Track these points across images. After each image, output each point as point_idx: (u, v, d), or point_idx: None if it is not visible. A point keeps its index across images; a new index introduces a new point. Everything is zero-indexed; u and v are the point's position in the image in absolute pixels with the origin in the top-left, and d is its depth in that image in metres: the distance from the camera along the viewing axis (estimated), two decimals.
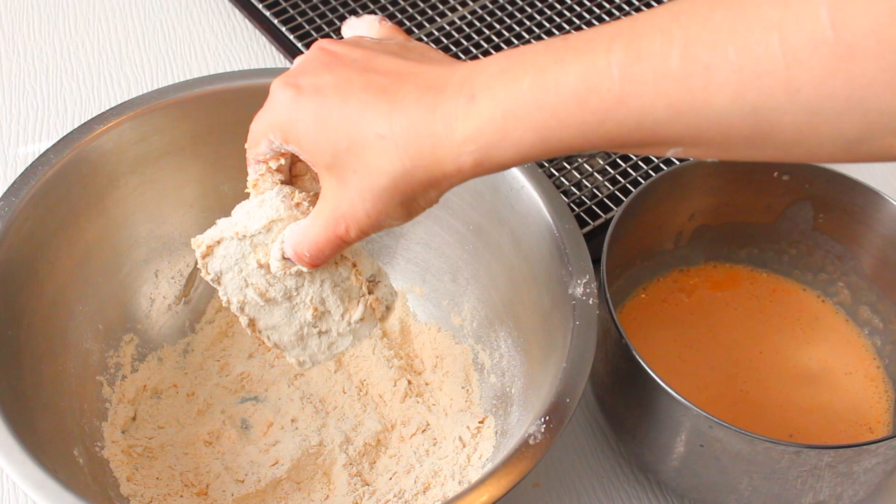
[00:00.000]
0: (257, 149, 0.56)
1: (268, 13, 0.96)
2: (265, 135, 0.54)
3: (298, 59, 0.55)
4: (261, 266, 0.58)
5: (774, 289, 0.77)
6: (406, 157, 0.49)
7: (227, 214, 0.75)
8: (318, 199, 0.55)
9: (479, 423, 0.69)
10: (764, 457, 0.62)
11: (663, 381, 0.62)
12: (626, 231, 0.71)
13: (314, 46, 0.54)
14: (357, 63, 0.52)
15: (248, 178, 0.59)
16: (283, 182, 0.58)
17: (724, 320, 0.75)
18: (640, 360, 0.63)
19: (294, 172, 0.60)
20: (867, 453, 0.62)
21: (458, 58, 0.93)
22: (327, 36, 0.94)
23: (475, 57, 0.94)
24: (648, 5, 1.00)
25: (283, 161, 0.57)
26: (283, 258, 0.57)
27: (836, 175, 0.73)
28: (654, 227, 0.75)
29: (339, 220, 0.52)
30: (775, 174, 0.74)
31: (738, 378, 0.72)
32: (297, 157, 0.56)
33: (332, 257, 0.55)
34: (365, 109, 0.50)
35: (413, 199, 0.51)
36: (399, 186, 0.50)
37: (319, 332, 0.61)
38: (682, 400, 0.62)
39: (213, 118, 0.72)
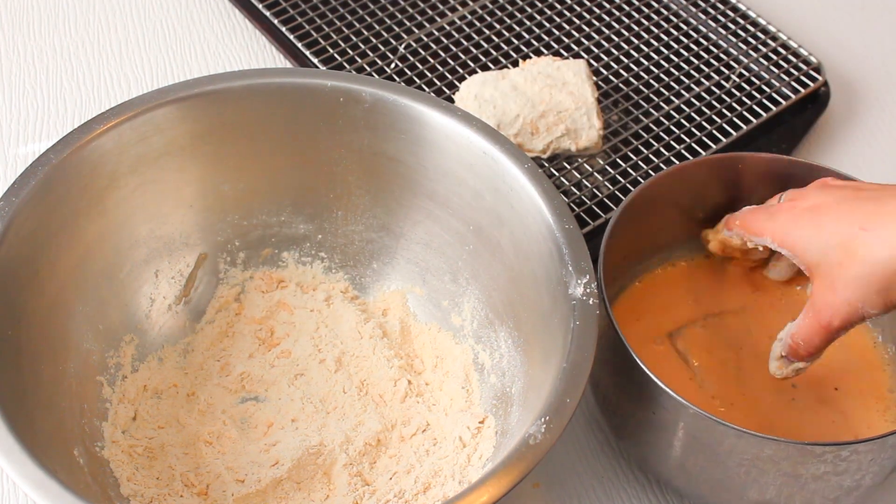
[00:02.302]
0: (753, 237, 0.68)
1: (268, 13, 0.96)
2: (763, 234, 0.67)
3: (806, 188, 0.67)
4: None
5: (783, 292, 0.76)
6: (885, 247, 0.58)
7: (227, 214, 0.76)
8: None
9: (480, 423, 0.69)
10: (705, 434, 0.62)
11: (661, 381, 0.62)
12: (623, 232, 0.71)
13: (818, 181, 0.67)
14: (847, 188, 0.64)
15: (715, 235, 0.73)
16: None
17: (728, 321, 0.75)
18: (637, 361, 0.63)
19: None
20: (811, 456, 0.61)
21: (458, 58, 0.94)
22: (328, 37, 0.94)
23: (475, 57, 0.94)
24: (648, 6, 1.00)
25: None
26: (781, 357, 0.67)
27: None
28: (656, 227, 0.75)
29: (824, 310, 0.61)
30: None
31: (741, 380, 0.72)
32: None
33: (822, 349, 0.64)
34: (854, 212, 0.61)
35: (888, 288, 0.59)
36: (876, 274, 0.59)
37: None
38: (681, 399, 0.62)
39: (213, 118, 0.72)
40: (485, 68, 0.93)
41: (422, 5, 0.98)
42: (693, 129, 0.89)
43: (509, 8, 0.99)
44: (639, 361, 0.63)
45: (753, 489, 0.64)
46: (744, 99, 0.92)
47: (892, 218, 0.59)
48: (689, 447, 0.64)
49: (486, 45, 0.95)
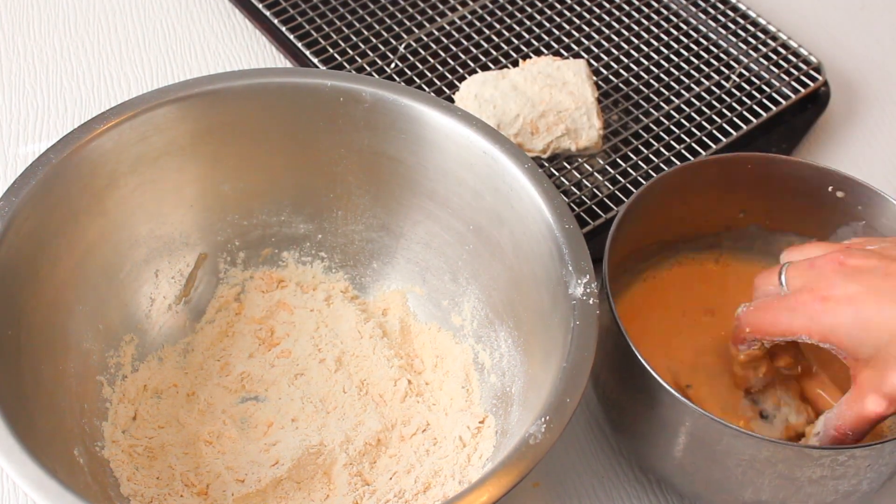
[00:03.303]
0: (778, 337, 0.64)
1: (268, 13, 0.96)
2: (795, 332, 0.62)
3: (817, 265, 0.63)
4: None
5: None
6: None
7: (227, 214, 0.76)
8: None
9: (480, 422, 0.69)
10: (704, 433, 0.62)
11: (664, 381, 0.62)
12: (628, 229, 0.71)
13: (831, 259, 0.63)
14: (877, 271, 0.61)
15: (738, 352, 0.68)
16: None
17: (730, 320, 0.75)
18: (641, 360, 0.63)
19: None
20: (808, 459, 0.61)
21: (458, 58, 0.94)
22: (328, 37, 0.94)
23: (475, 57, 0.94)
24: (648, 5, 1.00)
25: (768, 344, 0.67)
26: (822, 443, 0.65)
27: (890, 202, 0.71)
28: (662, 224, 0.75)
29: (881, 401, 0.60)
30: (830, 188, 0.72)
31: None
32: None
33: (868, 433, 0.63)
34: None
35: None
36: None
37: None
38: (683, 399, 0.62)
39: (213, 118, 0.72)
40: (485, 68, 0.93)
41: (422, 5, 0.98)
42: (693, 129, 0.89)
43: (509, 8, 0.99)
44: (639, 356, 0.63)
45: (749, 490, 0.64)
46: (744, 99, 0.92)
47: None
48: (687, 445, 0.64)
49: (486, 45, 0.95)
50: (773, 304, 0.64)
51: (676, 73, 0.94)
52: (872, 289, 0.60)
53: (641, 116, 0.90)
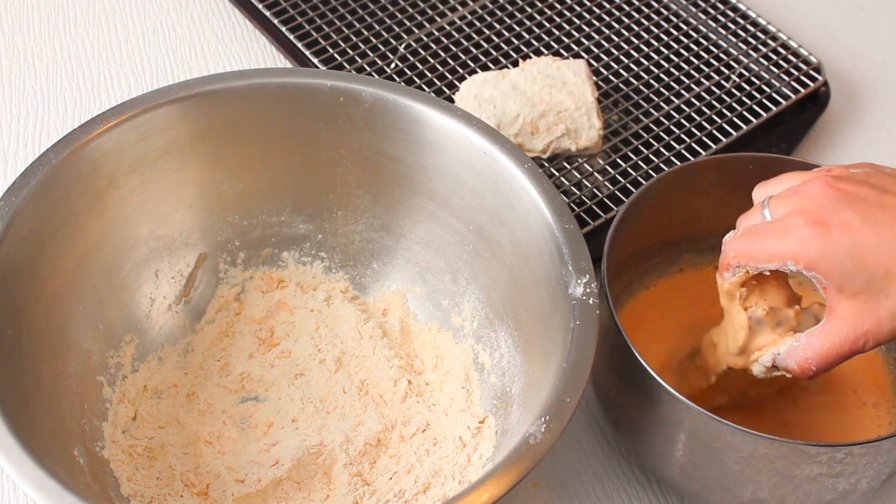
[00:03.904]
0: (761, 265, 0.60)
1: (268, 13, 0.96)
2: (783, 259, 0.58)
3: (803, 191, 0.59)
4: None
5: None
6: None
7: (227, 214, 0.76)
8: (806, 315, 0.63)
9: (480, 422, 0.69)
10: (702, 431, 0.62)
11: (664, 381, 0.62)
12: (628, 229, 0.71)
13: (817, 182, 0.59)
14: (870, 200, 0.57)
15: (723, 280, 0.63)
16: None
17: None
18: (640, 360, 0.63)
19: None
20: (805, 456, 0.61)
21: (458, 58, 0.94)
22: (328, 37, 0.94)
23: (475, 57, 0.94)
24: (648, 5, 1.00)
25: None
26: (772, 366, 0.63)
27: None
28: (660, 225, 0.75)
29: (860, 337, 0.57)
30: None
31: (743, 378, 0.72)
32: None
33: (831, 368, 0.60)
34: (884, 228, 0.56)
35: None
36: None
37: None
38: (683, 399, 0.62)
39: (213, 118, 0.72)
40: (485, 68, 0.93)
41: (422, 5, 0.98)
42: (693, 129, 0.89)
43: (509, 8, 0.99)
44: (637, 355, 0.63)
45: (748, 487, 0.64)
46: (744, 99, 0.92)
47: None
48: (685, 443, 0.64)
49: (486, 45, 0.95)
50: (759, 228, 0.60)
51: (676, 73, 0.94)
52: (869, 218, 0.57)
53: (641, 116, 0.90)
